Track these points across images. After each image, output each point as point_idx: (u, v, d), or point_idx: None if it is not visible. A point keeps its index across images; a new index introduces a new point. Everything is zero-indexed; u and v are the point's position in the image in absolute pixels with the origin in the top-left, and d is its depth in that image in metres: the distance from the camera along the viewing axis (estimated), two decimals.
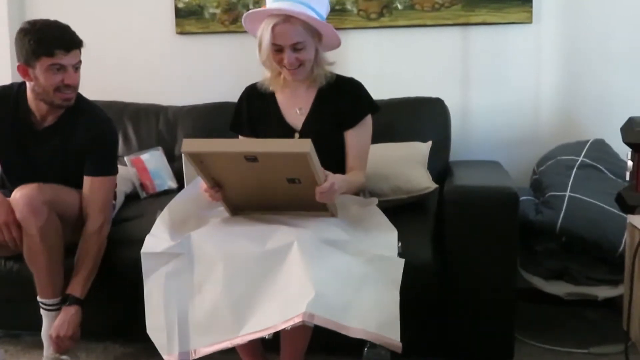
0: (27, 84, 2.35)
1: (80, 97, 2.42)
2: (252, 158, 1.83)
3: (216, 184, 1.99)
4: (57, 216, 2.27)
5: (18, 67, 2.30)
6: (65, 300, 2.28)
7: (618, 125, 1.87)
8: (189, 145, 1.86)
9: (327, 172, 1.93)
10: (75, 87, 2.35)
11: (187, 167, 2.28)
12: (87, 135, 2.38)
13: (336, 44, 2.24)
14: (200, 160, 1.89)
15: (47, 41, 2.25)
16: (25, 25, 2.30)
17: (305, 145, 1.77)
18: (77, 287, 2.28)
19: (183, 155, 1.96)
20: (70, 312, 2.26)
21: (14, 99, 2.41)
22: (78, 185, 2.40)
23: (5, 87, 2.47)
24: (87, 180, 2.39)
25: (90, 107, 2.46)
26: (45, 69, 2.27)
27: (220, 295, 1.85)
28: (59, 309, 2.28)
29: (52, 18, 2.32)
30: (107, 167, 2.43)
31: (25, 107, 2.39)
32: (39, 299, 2.30)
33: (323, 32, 2.16)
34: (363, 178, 2.26)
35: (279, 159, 1.84)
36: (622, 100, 2.90)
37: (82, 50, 2.34)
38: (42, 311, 2.31)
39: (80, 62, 2.34)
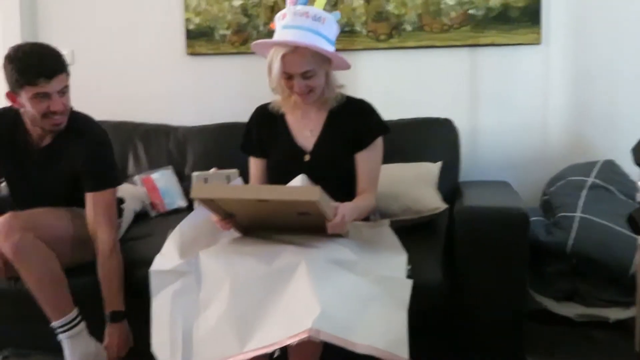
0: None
1: (73, 116, 2.39)
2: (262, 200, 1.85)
3: (227, 215, 2.00)
4: (46, 239, 2.23)
5: (6, 94, 2.29)
6: (110, 318, 2.28)
7: (627, 146, 1.87)
8: (200, 191, 1.89)
9: (337, 204, 1.94)
10: (62, 111, 2.31)
11: None
12: (84, 153, 2.36)
13: (345, 67, 2.25)
14: (210, 200, 1.91)
15: (28, 71, 2.21)
16: (10, 52, 2.26)
17: (314, 194, 1.78)
18: (119, 302, 2.29)
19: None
20: (124, 328, 2.29)
21: (12, 120, 2.41)
22: (80, 204, 2.40)
23: (4, 109, 2.48)
24: (88, 197, 2.37)
25: (84, 125, 2.42)
26: (29, 97, 2.24)
27: (224, 312, 1.84)
28: (65, 331, 2.25)
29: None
30: (106, 180, 2.41)
31: (23, 128, 2.40)
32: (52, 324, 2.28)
33: (332, 59, 2.18)
34: (374, 201, 2.26)
35: (289, 202, 1.85)
36: (631, 121, 2.90)
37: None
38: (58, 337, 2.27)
39: (67, 86, 2.30)
